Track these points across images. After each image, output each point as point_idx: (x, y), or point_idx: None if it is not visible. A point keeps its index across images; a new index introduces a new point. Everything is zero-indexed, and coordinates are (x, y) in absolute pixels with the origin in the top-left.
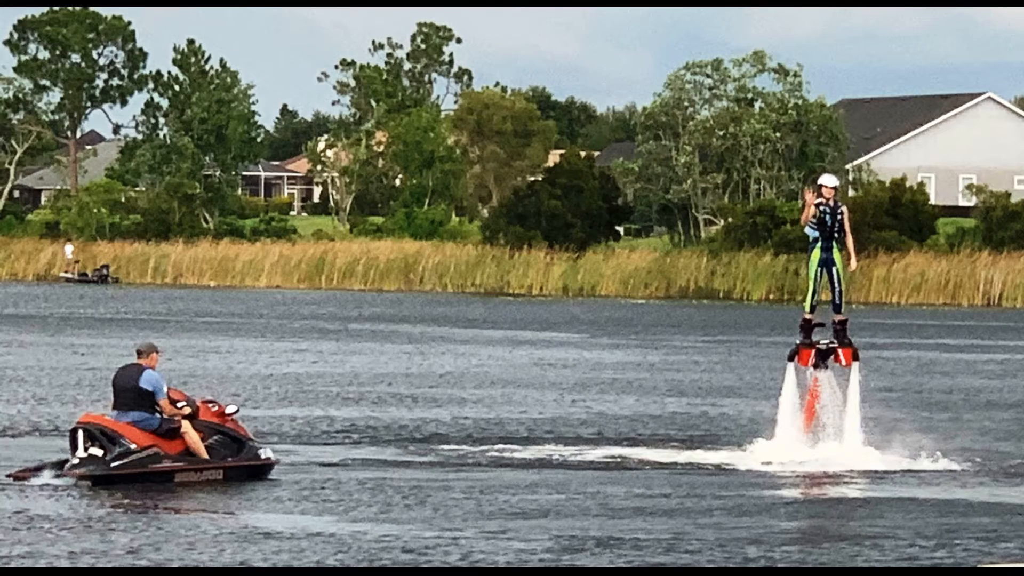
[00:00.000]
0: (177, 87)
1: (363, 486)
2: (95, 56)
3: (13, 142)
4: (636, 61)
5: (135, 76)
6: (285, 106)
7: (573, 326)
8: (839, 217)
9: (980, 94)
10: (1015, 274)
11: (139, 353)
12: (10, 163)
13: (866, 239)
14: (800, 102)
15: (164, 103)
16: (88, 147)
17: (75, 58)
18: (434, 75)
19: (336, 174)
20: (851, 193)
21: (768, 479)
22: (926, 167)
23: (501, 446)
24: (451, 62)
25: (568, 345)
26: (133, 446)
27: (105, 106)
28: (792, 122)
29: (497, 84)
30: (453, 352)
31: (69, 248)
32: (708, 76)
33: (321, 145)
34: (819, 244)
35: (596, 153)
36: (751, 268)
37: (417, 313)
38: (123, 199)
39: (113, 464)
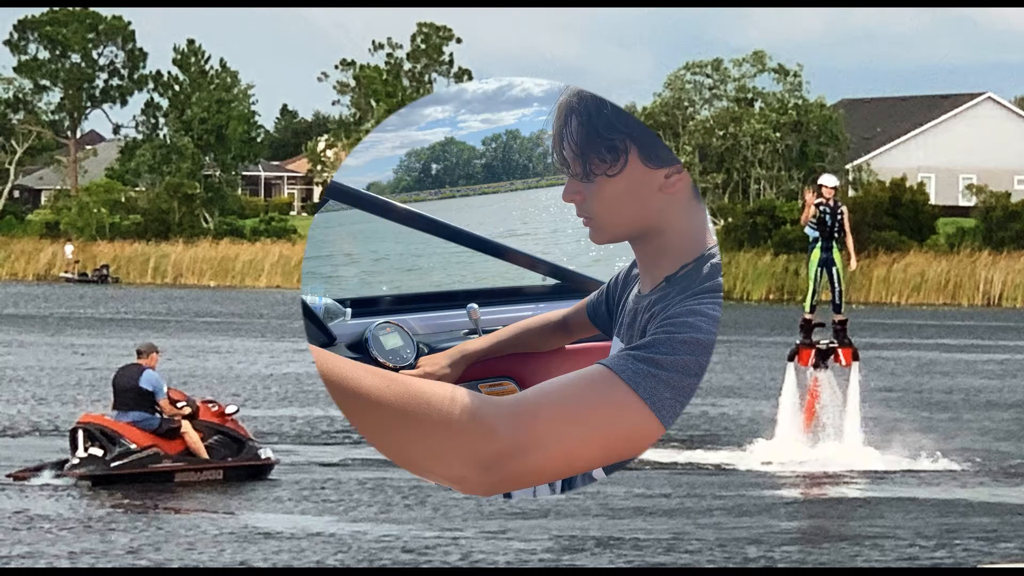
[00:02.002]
0: (177, 87)
1: (363, 486)
2: (95, 56)
3: (13, 142)
4: (636, 61)
5: (135, 76)
6: (285, 106)
7: None
8: (839, 217)
9: (980, 94)
10: (1015, 274)
11: (139, 353)
12: (10, 163)
13: (866, 239)
14: (800, 102)
15: (164, 103)
16: (88, 147)
17: (75, 58)
18: (434, 75)
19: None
20: (851, 193)
21: (768, 479)
22: (926, 167)
23: None
24: (451, 62)
25: None
26: (133, 446)
27: (105, 106)
28: (792, 122)
29: None
30: None
31: (69, 248)
32: (708, 76)
33: (321, 145)
34: (819, 244)
35: None
36: (751, 268)
37: None
38: (123, 199)
39: (113, 464)
